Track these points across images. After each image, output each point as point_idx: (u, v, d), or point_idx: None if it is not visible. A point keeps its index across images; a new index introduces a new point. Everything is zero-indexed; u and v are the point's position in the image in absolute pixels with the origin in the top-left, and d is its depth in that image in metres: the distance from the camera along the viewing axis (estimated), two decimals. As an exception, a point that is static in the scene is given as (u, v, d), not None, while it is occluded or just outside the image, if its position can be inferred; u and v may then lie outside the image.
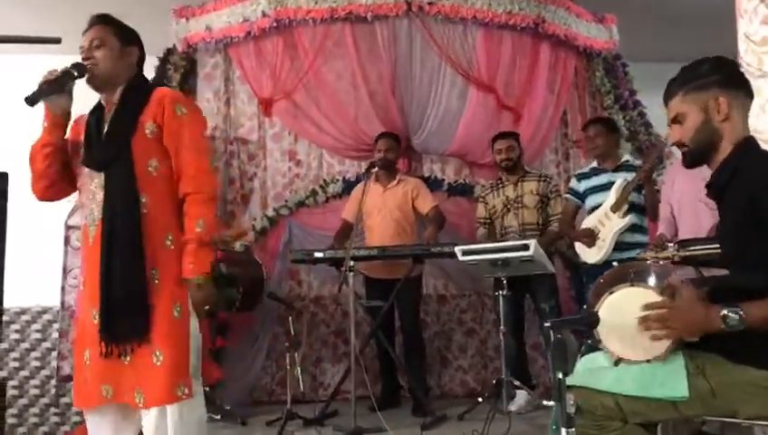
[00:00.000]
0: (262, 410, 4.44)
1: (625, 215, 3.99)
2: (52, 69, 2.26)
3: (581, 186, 4.33)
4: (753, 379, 1.65)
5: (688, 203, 3.53)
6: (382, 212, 4.48)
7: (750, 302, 1.63)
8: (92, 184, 2.26)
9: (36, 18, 5.39)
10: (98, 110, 2.35)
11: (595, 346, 1.89)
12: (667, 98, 1.92)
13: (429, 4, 5.02)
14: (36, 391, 5.39)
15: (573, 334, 4.40)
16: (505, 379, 3.81)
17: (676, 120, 1.89)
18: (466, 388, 5.01)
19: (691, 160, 1.92)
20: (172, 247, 2.25)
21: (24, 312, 5.49)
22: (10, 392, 5.32)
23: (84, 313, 2.28)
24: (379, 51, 5.07)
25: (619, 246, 4.00)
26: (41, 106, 2.27)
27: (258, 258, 4.69)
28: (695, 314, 1.69)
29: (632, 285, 1.87)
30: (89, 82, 2.29)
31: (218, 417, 4.07)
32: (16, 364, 5.43)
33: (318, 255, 4.20)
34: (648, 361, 1.75)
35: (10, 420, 5.24)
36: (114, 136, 2.26)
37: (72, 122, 2.37)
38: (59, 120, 2.30)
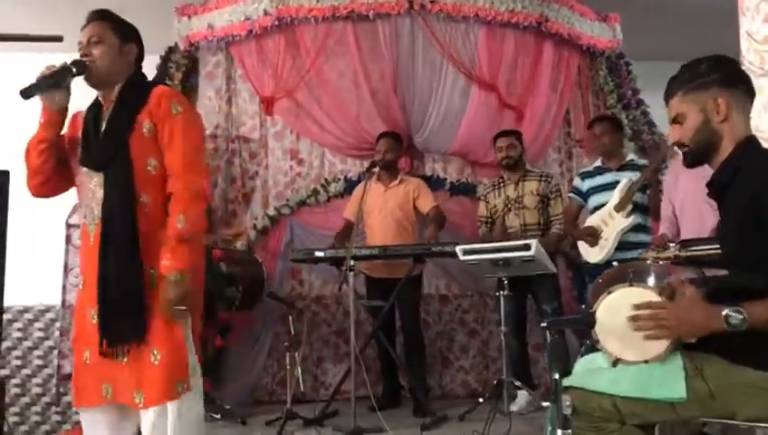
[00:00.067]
0: (263, 409, 4.43)
1: (629, 215, 3.98)
2: (51, 64, 2.25)
3: (585, 185, 4.31)
4: (753, 380, 1.64)
5: (691, 203, 3.50)
6: (383, 212, 4.47)
7: (751, 302, 1.61)
8: (91, 183, 2.25)
9: (37, 17, 5.38)
10: (96, 107, 2.34)
11: (593, 346, 1.87)
12: (668, 97, 1.91)
13: (431, 2, 5.00)
14: (38, 390, 5.41)
15: (575, 335, 4.39)
16: (506, 379, 3.79)
17: (675, 119, 1.88)
18: (468, 388, 4.99)
19: (691, 160, 1.91)
20: None
21: (26, 310, 5.50)
22: (12, 391, 5.34)
23: (83, 312, 2.26)
24: (380, 49, 5.05)
25: (623, 245, 3.99)
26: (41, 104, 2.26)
27: (259, 257, 4.69)
28: (695, 313, 1.67)
29: (631, 285, 1.85)
30: (87, 79, 2.28)
31: (218, 416, 4.06)
32: (18, 362, 5.45)
33: (319, 254, 4.19)
34: (645, 361, 1.73)
35: (12, 419, 5.25)
36: (112, 135, 2.24)
37: (69, 119, 2.35)
38: (55, 116, 2.27)
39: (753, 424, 1.68)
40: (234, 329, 4.65)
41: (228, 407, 4.16)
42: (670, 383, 1.67)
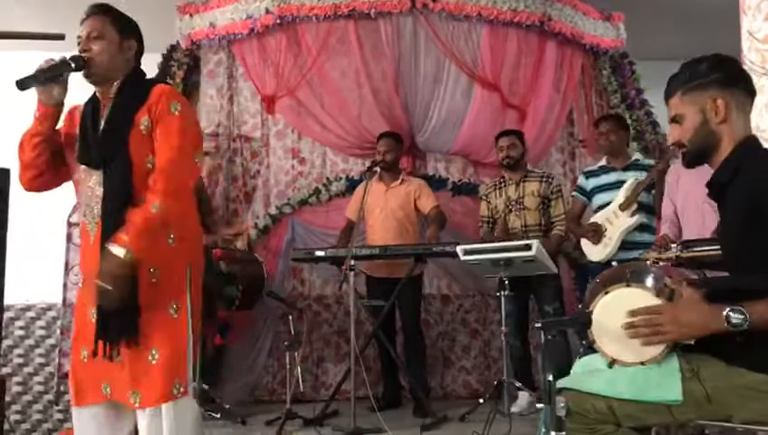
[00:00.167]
0: (263, 409, 4.42)
1: (633, 214, 3.96)
2: (50, 58, 2.22)
3: (589, 183, 4.29)
4: (750, 383, 1.62)
5: (693, 203, 3.48)
6: (384, 211, 4.46)
7: (752, 301, 1.59)
8: (90, 181, 2.23)
9: (37, 15, 5.38)
10: (93, 102, 2.31)
11: (590, 346, 1.86)
12: (667, 96, 1.89)
13: (434, 1, 4.99)
14: (40, 388, 5.41)
15: (577, 335, 4.37)
16: (507, 380, 3.78)
17: (674, 119, 1.87)
18: (469, 389, 4.97)
19: (690, 161, 1.89)
20: (174, 245, 2.22)
21: (28, 308, 5.51)
22: (14, 389, 5.34)
23: (84, 311, 2.25)
24: (382, 48, 5.04)
25: (626, 245, 3.98)
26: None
27: (261, 257, 4.69)
28: (694, 314, 1.65)
29: (628, 286, 1.83)
30: (86, 75, 2.24)
31: (218, 416, 4.05)
32: (20, 361, 5.46)
33: (319, 253, 4.19)
34: (642, 363, 1.72)
35: (13, 417, 5.26)
36: (111, 133, 2.21)
37: (65, 113, 2.32)
38: (51, 110, 2.24)
39: (750, 427, 1.66)
40: (234, 328, 4.64)
41: (228, 406, 4.14)
42: (666, 385, 1.65)
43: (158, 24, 3.92)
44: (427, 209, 4.44)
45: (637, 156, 4.33)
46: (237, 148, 5.20)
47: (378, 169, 4.39)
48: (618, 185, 4.08)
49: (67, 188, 2.38)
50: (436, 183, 4.97)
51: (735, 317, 1.58)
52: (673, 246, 2.92)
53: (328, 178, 5.11)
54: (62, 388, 4.93)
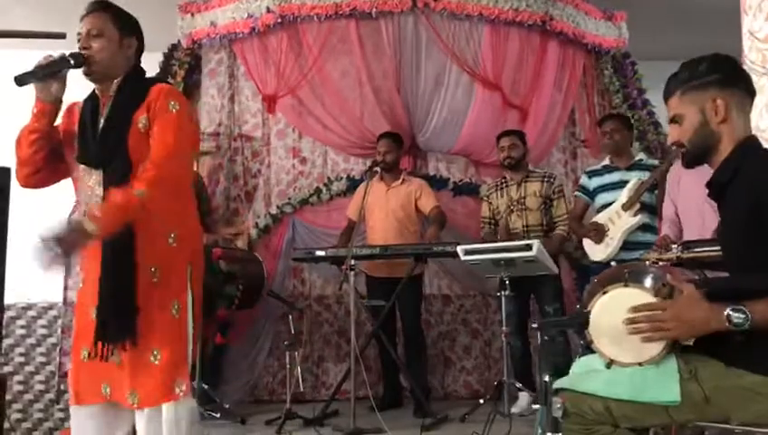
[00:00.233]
0: (263, 408, 4.43)
1: (636, 214, 3.95)
2: (49, 54, 2.20)
3: (592, 183, 4.28)
4: (749, 384, 1.61)
5: (693, 203, 3.46)
6: (385, 211, 4.45)
7: (753, 300, 1.58)
8: (91, 180, 2.22)
9: (37, 15, 5.38)
10: (92, 100, 2.29)
11: (588, 346, 1.85)
12: (666, 96, 1.88)
13: (435, 0, 4.97)
14: (41, 387, 5.41)
15: (578, 335, 4.36)
16: (507, 381, 3.78)
17: (674, 120, 1.86)
18: (470, 389, 4.97)
19: (689, 161, 1.89)
20: (174, 245, 2.22)
21: (29, 307, 5.51)
22: (15, 388, 5.34)
23: (84, 310, 2.25)
24: (383, 48, 5.03)
25: (628, 245, 3.96)
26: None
27: (261, 256, 4.68)
28: (695, 312, 1.64)
29: (626, 286, 1.82)
30: (85, 73, 2.23)
31: (217, 415, 4.04)
32: (22, 359, 5.46)
33: (319, 253, 4.18)
34: (640, 364, 1.70)
35: (14, 416, 5.27)
36: (110, 133, 2.20)
37: (64, 110, 2.30)
38: (49, 106, 2.22)
39: (749, 428, 1.65)
40: (235, 328, 4.64)
41: (228, 406, 4.15)
42: (664, 386, 1.64)
43: (159, 22, 3.91)
44: (428, 209, 4.43)
45: (640, 156, 4.32)
46: (238, 147, 5.19)
47: (378, 169, 4.38)
48: (621, 185, 4.07)
49: (68, 187, 2.37)
50: (437, 183, 4.96)
51: (737, 317, 1.57)
52: (674, 246, 2.91)
53: (329, 178, 5.10)
54: (62, 387, 4.94)
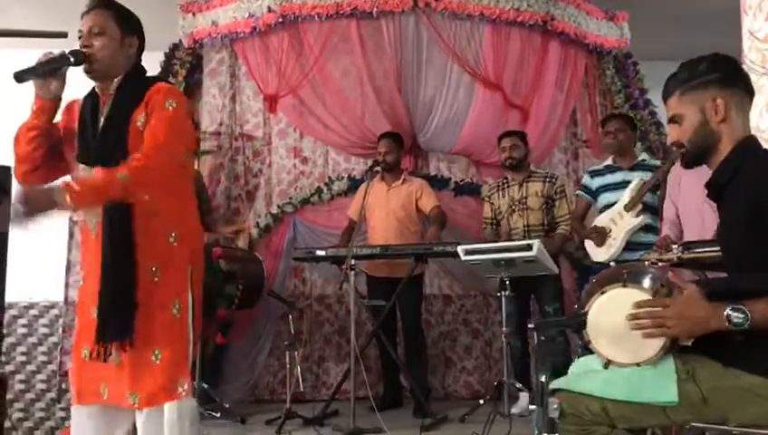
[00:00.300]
0: (263, 408, 4.43)
1: (638, 214, 3.93)
2: (49, 51, 2.19)
3: (594, 183, 4.27)
4: (747, 385, 1.60)
5: (693, 204, 3.46)
6: (385, 211, 4.45)
7: (753, 300, 1.58)
8: (90, 179, 2.23)
9: (38, 13, 5.38)
10: (92, 97, 2.29)
11: (585, 346, 1.84)
12: (666, 96, 1.88)
13: (436, 0, 4.97)
14: (43, 386, 5.41)
15: (578, 336, 4.35)
16: (507, 381, 3.77)
17: (673, 119, 1.85)
18: (470, 390, 4.96)
19: (689, 161, 1.88)
20: (175, 244, 2.22)
21: (31, 306, 5.51)
22: (16, 387, 5.35)
23: (85, 309, 2.25)
24: (384, 47, 5.02)
25: (630, 245, 3.95)
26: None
27: (262, 256, 4.68)
28: (696, 311, 1.64)
29: (624, 286, 1.81)
30: (86, 71, 2.22)
31: (218, 415, 4.03)
32: (23, 359, 5.46)
33: (320, 253, 4.18)
34: (637, 364, 1.70)
35: (16, 415, 5.27)
36: (110, 132, 2.20)
37: (64, 107, 2.29)
38: (48, 104, 2.21)
39: (747, 430, 1.64)
40: (235, 327, 4.65)
41: (228, 405, 4.14)
42: (662, 386, 1.64)
43: (160, 22, 3.92)
44: (428, 209, 4.42)
45: (643, 156, 4.30)
46: (239, 147, 5.19)
47: (379, 169, 4.37)
48: (623, 185, 4.05)
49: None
50: (438, 183, 4.96)
51: (736, 316, 1.57)
52: (674, 247, 2.91)
53: (330, 178, 5.10)
54: (64, 386, 4.94)
